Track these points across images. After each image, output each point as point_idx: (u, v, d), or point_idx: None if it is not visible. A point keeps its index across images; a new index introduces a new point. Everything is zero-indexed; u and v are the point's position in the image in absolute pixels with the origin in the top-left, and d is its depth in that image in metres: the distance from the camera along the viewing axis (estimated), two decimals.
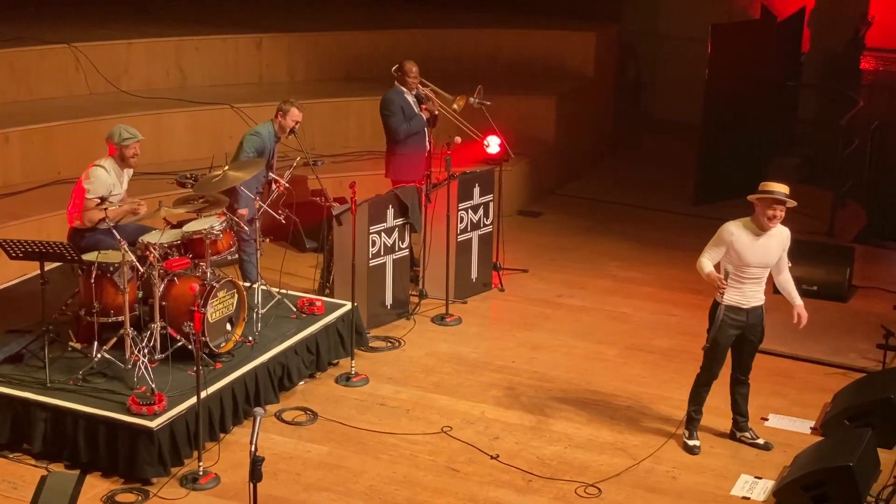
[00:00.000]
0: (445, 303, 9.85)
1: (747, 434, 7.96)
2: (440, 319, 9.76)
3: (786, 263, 7.68)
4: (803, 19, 14.51)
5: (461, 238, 10.12)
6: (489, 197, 10.35)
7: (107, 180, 8.44)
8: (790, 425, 8.23)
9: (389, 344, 9.33)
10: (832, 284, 10.26)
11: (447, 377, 8.84)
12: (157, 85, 12.66)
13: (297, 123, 9.40)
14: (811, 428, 8.20)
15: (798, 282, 10.19)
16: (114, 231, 7.81)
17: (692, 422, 7.89)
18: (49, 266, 7.91)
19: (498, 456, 7.74)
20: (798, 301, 7.79)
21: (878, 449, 7.50)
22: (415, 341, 9.39)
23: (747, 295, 7.58)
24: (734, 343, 7.72)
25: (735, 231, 7.52)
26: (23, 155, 10.89)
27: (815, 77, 14.74)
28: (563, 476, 7.52)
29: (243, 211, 9.10)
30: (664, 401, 8.52)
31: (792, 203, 7.45)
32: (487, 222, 10.36)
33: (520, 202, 12.48)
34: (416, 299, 9.98)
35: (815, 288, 10.28)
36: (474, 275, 10.33)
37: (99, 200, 8.31)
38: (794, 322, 7.78)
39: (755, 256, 7.50)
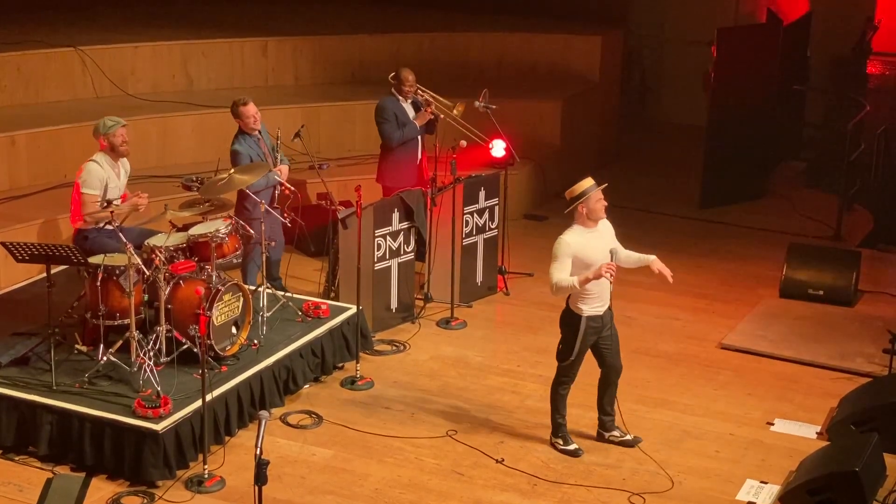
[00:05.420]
0: (450, 306, 9.85)
1: (616, 433, 7.88)
2: (445, 323, 9.76)
3: (617, 244, 7.63)
4: (809, 23, 14.50)
5: (466, 242, 10.12)
6: (495, 200, 10.35)
7: (100, 173, 8.48)
8: (796, 430, 8.21)
9: (394, 347, 9.33)
10: (838, 289, 10.24)
11: (452, 381, 8.83)
12: (163, 88, 12.67)
13: (255, 118, 9.34)
14: (817, 433, 8.18)
15: (805, 286, 10.30)
16: (119, 234, 7.82)
17: (562, 427, 7.77)
18: (55, 269, 7.91)
19: (503, 460, 7.73)
20: (651, 257, 7.69)
21: (885, 454, 7.48)
22: (420, 345, 9.39)
23: (604, 297, 7.52)
24: (595, 346, 7.65)
25: (572, 240, 7.46)
26: (29, 157, 10.89)
27: (822, 81, 14.73)
28: (568, 480, 7.51)
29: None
30: (669, 405, 8.51)
31: (604, 185, 7.56)
32: (493, 226, 10.36)
33: (525, 206, 12.46)
34: (421, 303, 9.98)
35: (821, 292, 10.27)
36: (479, 278, 10.33)
37: (100, 199, 8.33)
38: (656, 274, 7.65)
39: (599, 253, 7.45)
